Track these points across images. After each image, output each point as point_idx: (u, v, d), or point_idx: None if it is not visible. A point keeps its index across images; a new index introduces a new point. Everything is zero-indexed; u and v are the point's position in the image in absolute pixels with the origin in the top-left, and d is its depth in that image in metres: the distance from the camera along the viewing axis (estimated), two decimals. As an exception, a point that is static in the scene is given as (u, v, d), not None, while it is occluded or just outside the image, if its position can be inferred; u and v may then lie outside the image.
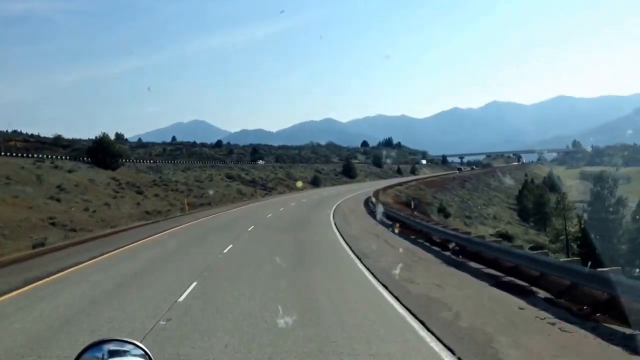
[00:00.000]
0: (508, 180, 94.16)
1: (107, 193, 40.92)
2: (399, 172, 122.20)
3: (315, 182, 79.87)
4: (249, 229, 25.81)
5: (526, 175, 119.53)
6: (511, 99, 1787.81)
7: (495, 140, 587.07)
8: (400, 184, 66.79)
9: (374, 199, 38.78)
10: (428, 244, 19.24)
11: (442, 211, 56.83)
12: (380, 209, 32.59)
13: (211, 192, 52.12)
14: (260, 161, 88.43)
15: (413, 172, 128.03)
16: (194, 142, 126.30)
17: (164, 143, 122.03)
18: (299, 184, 78.89)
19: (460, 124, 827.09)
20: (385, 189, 53.74)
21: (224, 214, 38.67)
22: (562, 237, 51.75)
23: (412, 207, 37.49)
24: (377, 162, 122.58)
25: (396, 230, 23.63)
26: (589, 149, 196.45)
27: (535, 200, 68.03)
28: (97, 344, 2.59)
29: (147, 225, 32.41)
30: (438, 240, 19.03)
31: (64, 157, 48.56)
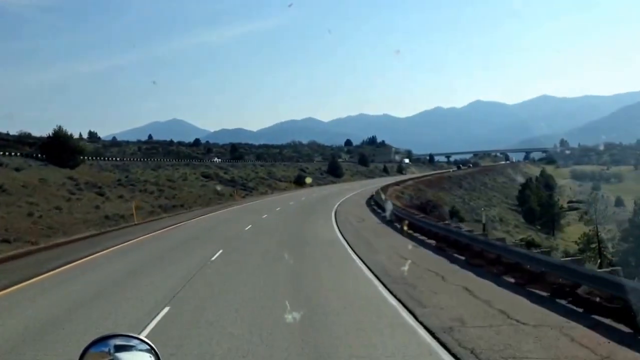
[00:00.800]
0: (519, 178, 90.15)
1: (60, 195, 35.43)
2: (386, 172, 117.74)
3: (299, 182, 74.87)
4: (213, 258, 16.79)
5: (526, 173, 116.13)
6: (494, 98, 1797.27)
7: (479, 139, 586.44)
8: (397, 184, 61.90)
9: (390, 206, 30.77)
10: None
11: (455, 214, 51.51)
12: (389, 207, 27.98)
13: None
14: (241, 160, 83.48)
15: (400, 171, 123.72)
16: (171, 141, 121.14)
17: (139, 141, 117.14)
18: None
19: (443, 123, 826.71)
20: (384, 188, 49.23)
21: (191, 223, 31.92)
22: (593, 245, 46.68)
23: (427, 211, 32.64)
24: (364, 161, 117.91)
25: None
26: (577, 148, 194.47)
27: (542, 202, 62.44)
28: (103, 339, 2.53)
29: (86, 239, 26.51)
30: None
31: (13, 154, 42.80)
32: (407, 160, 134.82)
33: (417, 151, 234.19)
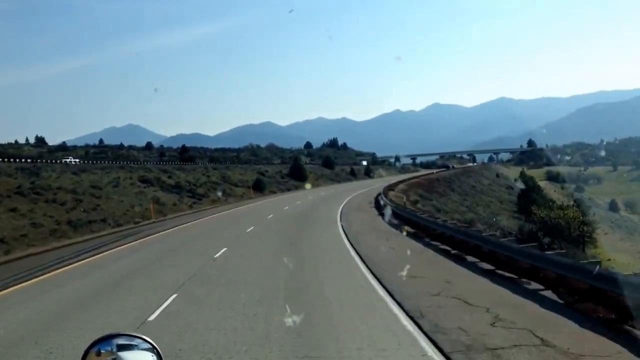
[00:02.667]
0: (519, 185, 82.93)
1: None
2: (353, 175, 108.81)
3: (258, 187, 64.88)
4: None
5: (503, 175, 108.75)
6: (452, 101, 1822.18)
7: (438, 142, 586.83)
8: (390, 188, 52.51)
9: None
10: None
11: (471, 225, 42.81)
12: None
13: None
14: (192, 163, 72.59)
15: (367, 173, 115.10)
16: (121, 145, 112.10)
17: (87, 146, 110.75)
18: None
19: (401, 127, 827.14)
20: (385, 191, 41.52)
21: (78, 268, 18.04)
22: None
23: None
24: (328, 163, 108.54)
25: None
26: (548, 148, 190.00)
27: (562, 216, 50.03)
28: (106, 338, 2.58)
29: None
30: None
31: None
32: (364, 163, 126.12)
33: (377, 154, 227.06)
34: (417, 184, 67.17)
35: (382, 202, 35.87)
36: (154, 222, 35.75)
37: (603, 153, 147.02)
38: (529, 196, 62.46)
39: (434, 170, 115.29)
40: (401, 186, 59.43)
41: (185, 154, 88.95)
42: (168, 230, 28.97)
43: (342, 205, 38.64)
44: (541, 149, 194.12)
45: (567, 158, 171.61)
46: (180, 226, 31.62)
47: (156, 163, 67.62)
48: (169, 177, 54.98)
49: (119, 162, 58.10)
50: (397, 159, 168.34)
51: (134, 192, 44.85)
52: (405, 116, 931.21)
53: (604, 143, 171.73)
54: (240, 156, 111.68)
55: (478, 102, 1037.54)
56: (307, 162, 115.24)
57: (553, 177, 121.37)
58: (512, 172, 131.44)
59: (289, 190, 71.76)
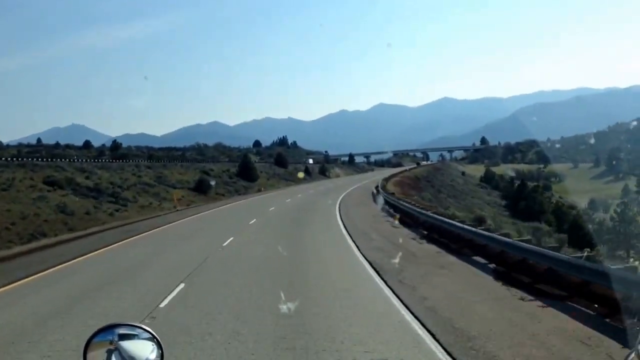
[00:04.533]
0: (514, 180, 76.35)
1: None
2: (308, 173, 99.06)
3: (200, 189, 54.07)
4: None
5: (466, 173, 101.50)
6: (397, 101, 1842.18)
7: (384, 141, 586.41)
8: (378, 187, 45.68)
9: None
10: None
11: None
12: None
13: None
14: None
15: (323, 172, 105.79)
16: (57, 144, 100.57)
17: (19, 145, 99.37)
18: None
19: (348, 126, 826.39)
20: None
21: None
22: None
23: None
24: (281, 162, 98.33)
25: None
26: (499, 146, 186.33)
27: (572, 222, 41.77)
28: (108, 328, 2.62)
29: None
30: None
31: None
32: (310, 161, 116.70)
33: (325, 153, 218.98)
34: (400, 183, 58.26)
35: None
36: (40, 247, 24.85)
37: (558, 146, 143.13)
38: (527, 197, 54.21)
39: (407, 167, 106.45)
40: (389, 186, 50.74)
41: (117, 151, 76.92)
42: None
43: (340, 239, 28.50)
44: (495, 147, 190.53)
45: (519, 156, 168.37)
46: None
47: (85, 160, 55.72)
48: (87, 178, 43.62)
49: (21, 160, 45.98)
50: (352, 157, 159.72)
51: (33, 197, 33.61)
52: (351, 116, 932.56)
53: (551, 140, 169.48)
54: (186, 155, 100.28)
55: (422, 102, 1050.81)
56: (257, 160, 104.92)
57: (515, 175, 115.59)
58: (475, 170, 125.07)
59: (238, 192, 61.26)
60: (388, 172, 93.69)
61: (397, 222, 26.00)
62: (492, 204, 68.35)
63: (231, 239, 20.94)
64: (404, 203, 28.23)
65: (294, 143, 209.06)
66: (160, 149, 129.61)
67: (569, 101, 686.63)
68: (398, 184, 56.58)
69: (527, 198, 54.58)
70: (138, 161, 61.65)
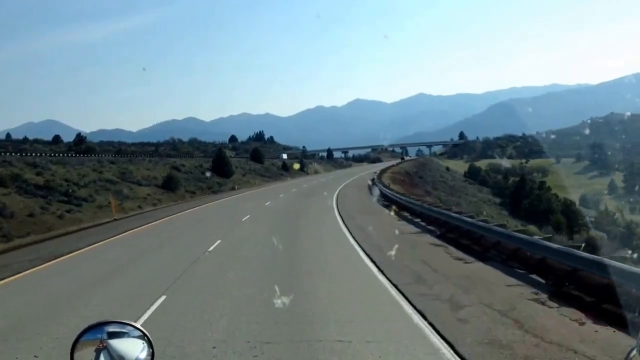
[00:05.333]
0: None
1: None
2: (285, 169, 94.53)
3: (169, 185, 49.10)
4: None
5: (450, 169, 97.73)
6: (374, 97, 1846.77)
7: (360, 136, 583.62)
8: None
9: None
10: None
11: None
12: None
13: None
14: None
15: (302, 168, 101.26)
16: (25, 138, 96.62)
17: None
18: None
19: (325, 122, 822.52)
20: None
21: None
22: None
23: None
24: (257, 157, 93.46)
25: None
26: (478, 141, 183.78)
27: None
28: (97, 326, 2.55)
29: None
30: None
31: None
32: (284, 156, 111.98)
33: (302, 148, 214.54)
34: (400, 181, 53.73)
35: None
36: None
37: (554, 136, 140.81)
38: (529, 194, 50.01)
39: (394, 163, 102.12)
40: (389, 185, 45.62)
41: (81, 145, 71.37)
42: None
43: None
44: (474, 142, 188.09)
45: (499, 151, 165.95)
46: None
47: (43, 155, 50.30)
48: (38, 174, 38.45)
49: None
50: (330, 152, 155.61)
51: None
52: (328, 111, 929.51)
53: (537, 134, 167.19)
54: (159, 150, 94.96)
55: (398, 98, 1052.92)
56: (233, 155, 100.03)
57: (497, 170, 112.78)
58: (456, 165, 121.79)
59: (211, 189, 56.44)
60: (372, 168, 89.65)
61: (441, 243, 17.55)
62: (487, 202, 64.48)
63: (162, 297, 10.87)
64: (435, 208, 22.67)
65: (271, 138, 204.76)
66: (134, 144, 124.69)
67: (541, 97, 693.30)
68: (398, 182, 52.32)
69: (528, 196, 50.30)
70: (101, 156, 56.40)
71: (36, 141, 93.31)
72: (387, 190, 37.67)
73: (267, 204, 36.94)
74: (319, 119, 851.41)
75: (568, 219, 46.97)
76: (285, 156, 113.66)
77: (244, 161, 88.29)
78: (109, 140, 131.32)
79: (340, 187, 51.46)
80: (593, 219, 52.84)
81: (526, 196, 52.07)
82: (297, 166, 62.39)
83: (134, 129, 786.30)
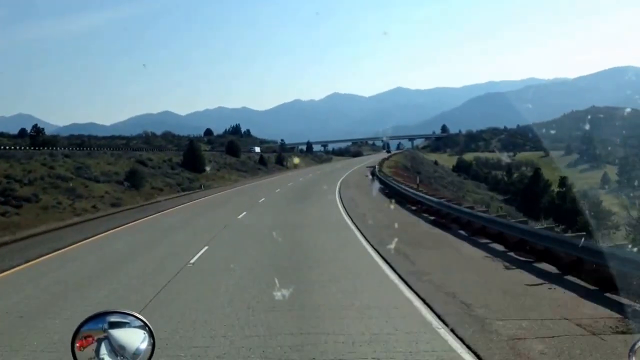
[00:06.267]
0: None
1: None
2: (263, 163, 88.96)
3: (132, 181, 43.09)
4: None
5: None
6: (351, 91, 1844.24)
7: (338, 130, 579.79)
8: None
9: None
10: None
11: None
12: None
13: None
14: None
15: (281, 162, 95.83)
16: None
17: None
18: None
19: (302, 116, 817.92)
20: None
21: None
22: None
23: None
24: (233, 150, 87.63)
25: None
26: (461, 134, 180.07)
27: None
28: (98, 316, 2.54)
29: None
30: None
31: None
32: (257, 149, 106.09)
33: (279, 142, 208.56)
34: (401, 175, 48.11)
35: None
36: None
37: (553, 132, 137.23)
38: (543, 192, 44.67)
39: (385, 156, 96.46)
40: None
41: (38, 138, 64.63)
42: None
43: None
44: (457, 135, 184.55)
45: (482, 144, 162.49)
46: None
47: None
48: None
49: None
50: (310, 146, 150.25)
51: None
52: (305, 105, 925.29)
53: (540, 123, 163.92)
54: (130, 144, 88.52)
55: (376, 92, 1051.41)
56: (208, 149, 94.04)
57: (485, 164, 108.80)
58: (443, 159, 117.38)
59: (181, 186, 50.52)
60: (359, 162, 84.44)
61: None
62: (489, 199, 59.60)
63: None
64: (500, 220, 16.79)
65: (248, 131, 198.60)
66: (104, 137, 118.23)
67: (519, 91, 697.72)
68: (399, 177, 47.05)
69: (542, 193, 44.84)
70: (55, 149, 50.11)
71: (1, 134, 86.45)
72: (421, 195, 26.82)
73: (239, 217, 25.77)
74: (297, 112, 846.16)
75: (597, 219, 42.17)
76: (258, 149, 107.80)
77: (218, 155, 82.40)
78: (80, 134, 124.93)
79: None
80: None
81: (540, 193, 46.82)
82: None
83: (108, 123, 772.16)
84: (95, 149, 60.89)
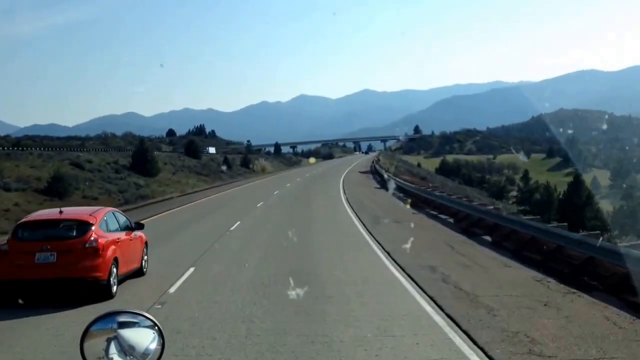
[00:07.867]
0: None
1: None
2: (227, 165, 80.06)
3: (56, 191, 34.08)
4: None
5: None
6: (318, 92, 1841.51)
7: (305, 132, 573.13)
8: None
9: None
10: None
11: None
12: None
13: None
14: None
15: (247, 164, 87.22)
16: None
17: None
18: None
19: (269, 117, 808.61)
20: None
21: None
22: None
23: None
24: (192, 151, 78.50)
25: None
26: (435, 136, 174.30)
27: None
28: (107, 316, 2.53)
29: None
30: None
31: None
32: (212, 150, 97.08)
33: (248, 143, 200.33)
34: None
35: None
36: None
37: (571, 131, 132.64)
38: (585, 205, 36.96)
39: (374, 158, 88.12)
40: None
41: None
42: None
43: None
44: (430, 136, 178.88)
45: (457, 146, 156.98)
46: None
47: None
48: None
49: None
50: (278, 147, 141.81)
51: None
52: (272, 107, 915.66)
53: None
54: (86, 144, 78.53)
55: (343, 94, 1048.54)
56: (169, 150, 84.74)
57: (465, 167, 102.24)
58: (423, 162, 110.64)
59: (124, 194, 41.50)
60: (339, 164, 76.25)
61: None
62: (475, 196, 52.38)
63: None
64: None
65: (213, 132, 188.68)
66: (59, 138, 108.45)
67: (484, 94, 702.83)
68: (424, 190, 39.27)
69: (583, 206, 37.05)
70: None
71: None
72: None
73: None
74: (264, 114, 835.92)
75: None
76: (212, 150, 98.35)
77: (176, 156, 73.37)
78: (36, 135, 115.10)
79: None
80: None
81: (581, 206, 39.02)
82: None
83: (70, 124, 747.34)
84: (27, 149, 51.22)
